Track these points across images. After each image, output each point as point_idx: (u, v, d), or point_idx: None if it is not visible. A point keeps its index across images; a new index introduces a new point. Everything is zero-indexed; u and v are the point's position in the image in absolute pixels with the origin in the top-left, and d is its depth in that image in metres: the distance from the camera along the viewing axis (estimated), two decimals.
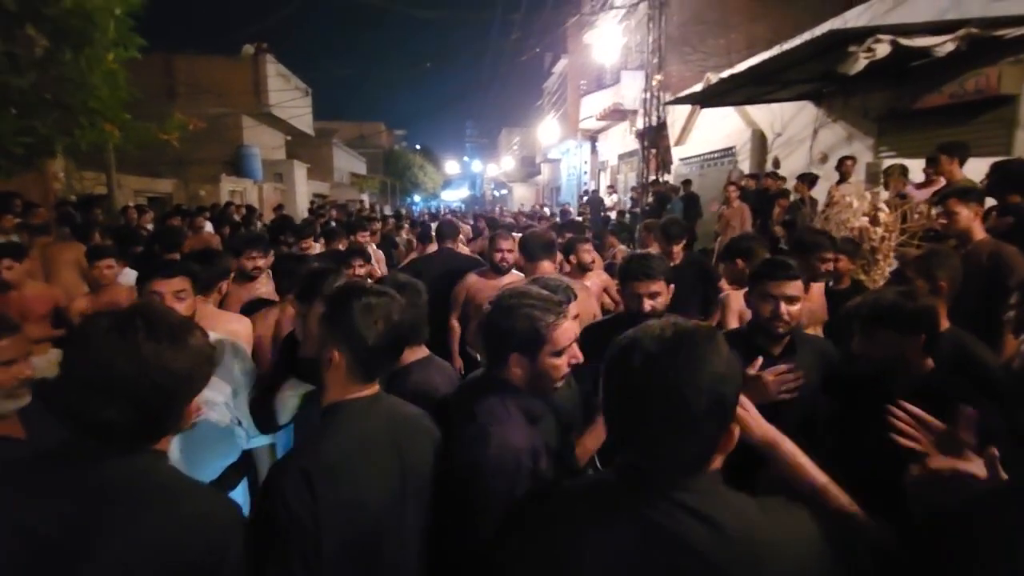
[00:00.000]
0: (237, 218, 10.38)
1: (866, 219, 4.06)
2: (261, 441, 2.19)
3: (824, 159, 7.88)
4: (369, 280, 3.03)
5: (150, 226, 7.36)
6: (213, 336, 2.08)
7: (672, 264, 3.62)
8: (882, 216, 3.98)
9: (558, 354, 1.37)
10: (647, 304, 2.16)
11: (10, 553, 0.89)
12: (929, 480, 1.05)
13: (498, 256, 3.47)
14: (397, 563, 1.25)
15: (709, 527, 0.80)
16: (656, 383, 0.82)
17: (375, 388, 1.31)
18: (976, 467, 1.02)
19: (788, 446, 1.06)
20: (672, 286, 2.29)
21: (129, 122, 5.54)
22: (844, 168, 6.15)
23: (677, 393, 0.80)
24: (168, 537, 0.96)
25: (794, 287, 1.93)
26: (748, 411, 1.10)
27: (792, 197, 6.95)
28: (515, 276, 3.44)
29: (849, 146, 7.45)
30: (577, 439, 1.34)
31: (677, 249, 3.81)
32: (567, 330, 1.40)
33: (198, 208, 9.02)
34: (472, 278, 3.61)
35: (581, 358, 1.41)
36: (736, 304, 2.74)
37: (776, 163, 9.11)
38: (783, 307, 1.90)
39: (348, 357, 1.24)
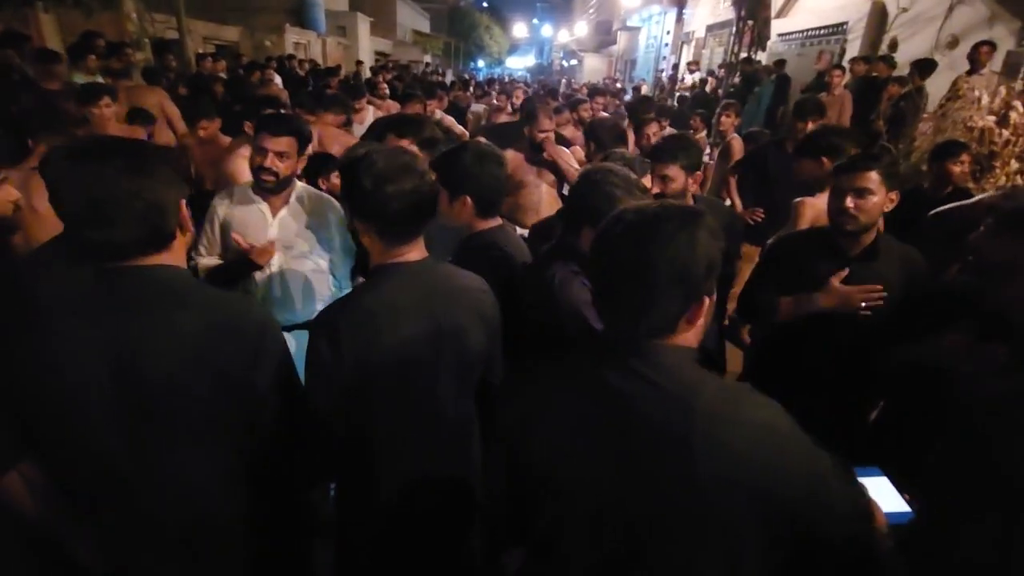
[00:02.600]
0: (301, 73, 10.19)
1: (993, 119, 3.56)
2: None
3: (954, 43, 6.78)
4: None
5: (222, 74, 7.37)
6: (311, 190, 2.19)
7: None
8: (1014, 116, 3.48)
9: None
10: (657, 186, 2.22)
11: (71, 364, 0.98)
12: None
13: (540, 136, 3.38)
14: (432, 418, 1.35)
15: (654, 390, 0.85)
16: (625, 254, 0.88)
17: (418, 253, 1.32)
18: None
19: None
20: (698, 174, 2.31)
21: None
22: (978, 55, 5.19)
23: (641, 264, 0.86)
24: (204, 337, 1.03)
25: (866, 179, 1.76)
26: None
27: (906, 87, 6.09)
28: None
29: (989, 29, 6.33)
30: None
31: (811, 128, 3.28)
32: None
33: (267, 59, 8.89)
34: (510, 154, 3.57)
35: None
36: (811, 212, 2.39)
37: (893, 45, 7.93)
38: (849, 200, 1.76)
39: (370, 226, 1.26)
